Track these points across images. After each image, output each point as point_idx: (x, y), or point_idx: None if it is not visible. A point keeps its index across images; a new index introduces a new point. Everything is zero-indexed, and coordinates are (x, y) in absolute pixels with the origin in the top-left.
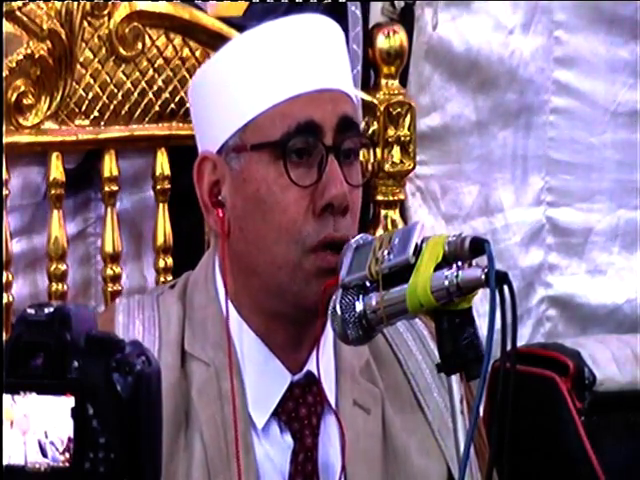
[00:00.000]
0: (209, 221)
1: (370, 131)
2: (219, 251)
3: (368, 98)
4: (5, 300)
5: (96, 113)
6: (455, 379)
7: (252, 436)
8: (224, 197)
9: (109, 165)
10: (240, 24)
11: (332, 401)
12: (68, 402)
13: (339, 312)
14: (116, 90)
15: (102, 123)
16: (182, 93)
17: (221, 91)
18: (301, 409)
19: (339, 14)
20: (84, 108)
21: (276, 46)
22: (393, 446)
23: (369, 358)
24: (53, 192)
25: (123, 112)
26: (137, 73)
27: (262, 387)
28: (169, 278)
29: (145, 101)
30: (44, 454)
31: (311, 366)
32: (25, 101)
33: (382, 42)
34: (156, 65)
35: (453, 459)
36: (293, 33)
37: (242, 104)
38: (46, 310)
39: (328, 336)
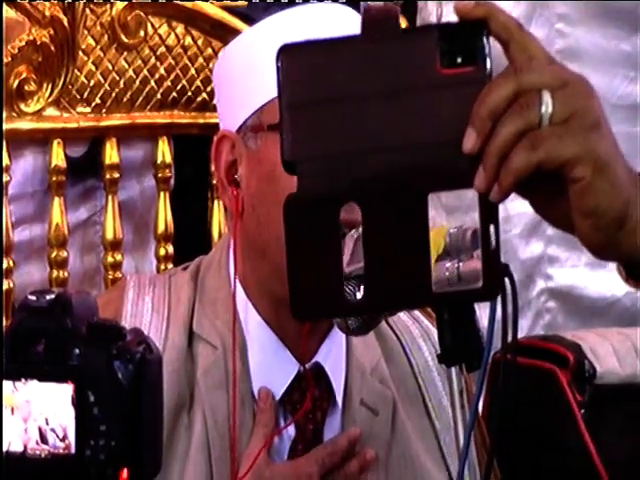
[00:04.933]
0: (224, 200)
1: None
2: (231, 231)
3: None
4: (6, 287)
5: (98, 100)
6: (455, 371)
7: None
8: (240, 176)
9: (110, 152)
10: (244, 13)
11: (339, 397)
12: (69, 389)
13: None
14: (118, 78)
15: (104, 110)
16: (184, 81)
17: (243, 71)
18: (307, 402)
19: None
20: (86, 95)
21: (300, 29)
22: (402, 449)
23: (381, 358)
24: (54, 179)
25: (125, 100)
26: (139, 61)
27: (268, 374)
28: (169, 266)
29: (147, 89)
30: (45, 441)
31: (319, 358)
32: (27, 87)
33: None
34: (158, 53)
35: (454, 463)
36: (319, 19)
37: (262, 84)
38: (47, 297)
39: (340, 331)
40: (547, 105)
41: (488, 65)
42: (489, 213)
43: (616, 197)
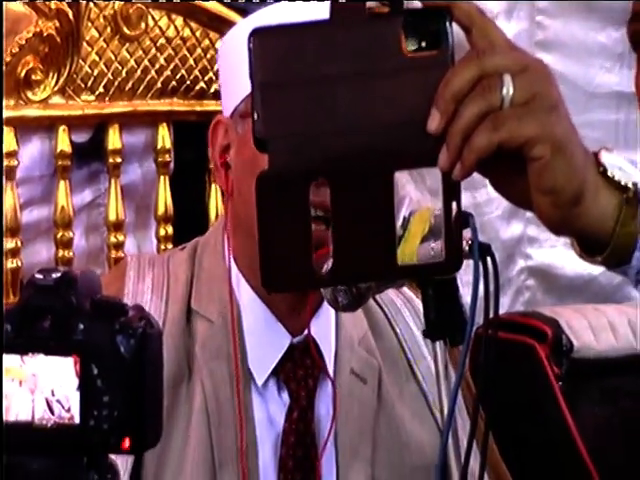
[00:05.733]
0: (217, 181)
1: None
2: (225, 213)
3: None
4: (14, 265)
5: (101, 89)
6: (439, 345)
7: (251, 391)
8: (231, 159)
9: (113, 138)
10: (241, 7)
11: (330, 367)
12: (74, 362)
13: None
14: (120, 67)
15: (107, 98)
16: (183, 71)
17: (235, 59)
18: (299, 371)
19: None
20: (90, 84)
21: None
22: (388, 416)
23: (367, 330)
24: (60, 163)
25: (127, 88)
26: (140, 52)
27: (263, 346)
28: (169, 246)
29: (148, 78)
30: (51, 411)
31: (310, 330)
32: (34, 77)
33: None
34: (158, 44)
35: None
36: (313, 12)
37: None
38: (53, 275)
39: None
40: (508, 88)
41: (451, 49)
42: (452, 191)
43: (573, 176)
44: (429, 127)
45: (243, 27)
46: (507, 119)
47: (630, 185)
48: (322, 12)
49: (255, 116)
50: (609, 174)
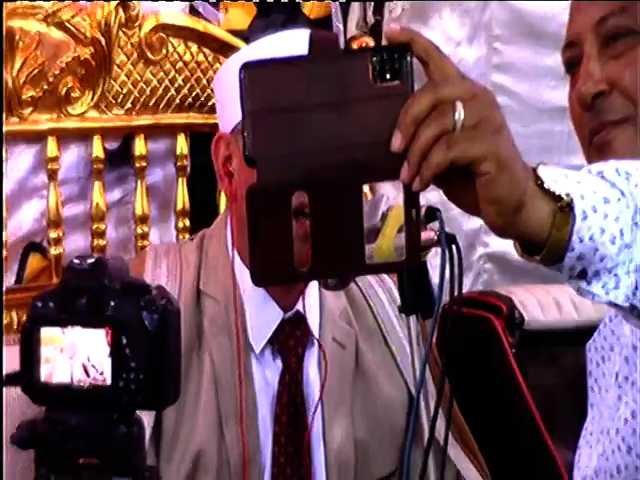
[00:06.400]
0: (222, 188)
1: None
2: (229, 213)
3: None
4: (57, 253)
5: (129, 104)
6: (412, 319)
7: (251, 359)
8: (234, 169)
9: (139, 146)
10: (245, 36)
11: (316, 335)
12: (106, 334)
13: None
14: (145, 86)
15: (134, 112)
16: (198, 89)
17: (235, 84)
18: (290, 340)
19: (326, 28)
20: (120, 100)
21: (284, 50)
22: (364, 376)
23: (346, 305)
24: (95, 167)
25: (151, 104)
26: (162, 73)
27: (260, 321)
28: (187, 236)
29: (168, 95)
30: (87, 374)
31: (299, 307)
32: (73, 94)
33: None
34: (177, 67)
35: (410, 377)
36: (302, 42)
37: None
38: (89, 261)
39: (314, 285)
40: (460, 113)
41: (411, 80)
42: (412, 200)
43: (514, 188)
44: (393, 146)
45: (239, 55)
46: (459, 140)
47: (564, 195)
48: (302, 45)
49: (245, 138)
50: (545, 186)
